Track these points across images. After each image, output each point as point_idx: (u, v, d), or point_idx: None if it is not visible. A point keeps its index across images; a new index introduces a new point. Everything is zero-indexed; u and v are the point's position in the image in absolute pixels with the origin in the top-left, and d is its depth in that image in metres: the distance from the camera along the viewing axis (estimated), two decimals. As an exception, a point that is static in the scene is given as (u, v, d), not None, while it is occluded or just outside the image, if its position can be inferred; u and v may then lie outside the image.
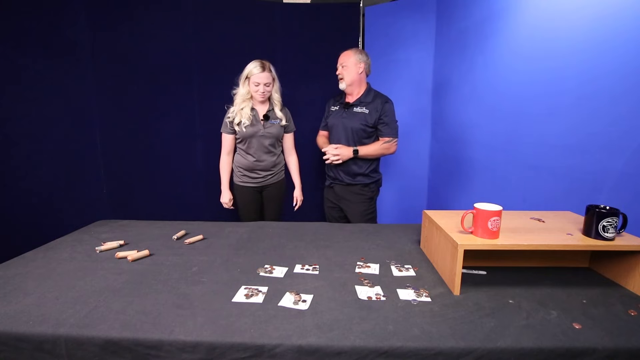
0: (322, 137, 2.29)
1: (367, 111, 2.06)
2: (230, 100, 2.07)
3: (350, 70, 2.04)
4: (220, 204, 2.18)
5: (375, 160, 2.15)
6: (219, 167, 2.15)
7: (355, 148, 2.04)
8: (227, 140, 2.09)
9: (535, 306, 0.96)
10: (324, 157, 2.07)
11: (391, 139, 2.07)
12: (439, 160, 2.56)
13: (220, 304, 0.98)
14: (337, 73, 2.08)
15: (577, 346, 0.80)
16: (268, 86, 1.99)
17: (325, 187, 2.31)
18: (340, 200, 2.20)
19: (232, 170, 2.18)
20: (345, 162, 2.08)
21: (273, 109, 2.09)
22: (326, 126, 2.25)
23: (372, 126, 2.06)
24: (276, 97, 2.07)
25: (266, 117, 2.05)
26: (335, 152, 2.03)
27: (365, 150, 2.05)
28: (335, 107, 2.18)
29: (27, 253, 1.35)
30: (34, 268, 1.21)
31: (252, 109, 2.03)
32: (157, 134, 2.59)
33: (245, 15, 2.59)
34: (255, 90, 1.98)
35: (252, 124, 2.01)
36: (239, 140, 2.08)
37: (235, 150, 2.15)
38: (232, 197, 2.17)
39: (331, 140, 2.18)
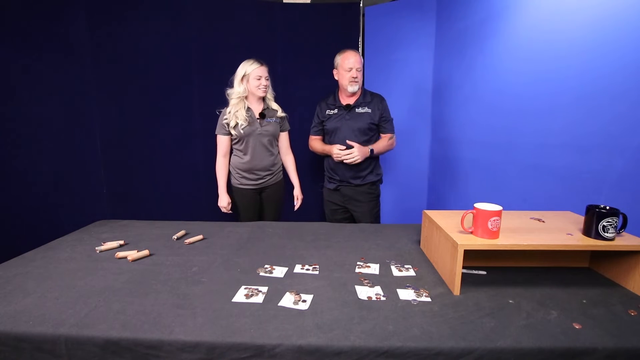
0: (316, 140, 2.23)
1: (369, 110, 2.08)
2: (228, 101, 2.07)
3: (361, 73, 2.06)
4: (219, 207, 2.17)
5: (377, 158, 2.19)
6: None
7: (370, 147, 2.04)
8: (222, 142, 2.07)
9: (535, 306, 0.96)
10: (338, 157, 2.02)
11: (393, 134, 2.13)
12: (439, 160, 2.56)
13: (220, 304, 0.98)
14: (353, 76, 2.01)
15: (577, 346, 0.80)
16: (267, 80, 2.02)
17: (326, 190, 2.27)
18: (349, 201, 2.19)
19: (230, 173, 2.15)
20: (355, 165, 2.06)
21: (268, 107, 2.09)
22: (320, 130, 2.21)
23: (376, 124, 2.10)
24: (269, 91, 2.09)
25: (262, 115, 2.04)
26: (357, 154, 1.98)
27: (377, 148, 2.07)
28: (332, 111, 2.14)
29: (27, 253, 1.35)
30: (34, 268, 1.21)
31: (248, 109, 2.03)
32: (157, 134, 2.59)
33: (245, 15, 2.59)
34: (257, 85, 1.99)
35: (248, 124, 2.00)
36: (235, 141, 2.06)
37: (231, 152, 2.14)
38: (230, 201, 2.15)
39: (335, 142, 2.12)
